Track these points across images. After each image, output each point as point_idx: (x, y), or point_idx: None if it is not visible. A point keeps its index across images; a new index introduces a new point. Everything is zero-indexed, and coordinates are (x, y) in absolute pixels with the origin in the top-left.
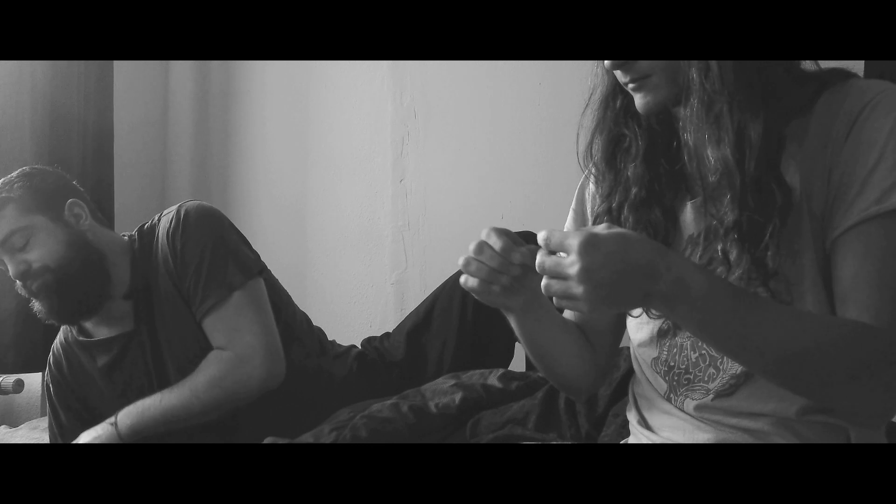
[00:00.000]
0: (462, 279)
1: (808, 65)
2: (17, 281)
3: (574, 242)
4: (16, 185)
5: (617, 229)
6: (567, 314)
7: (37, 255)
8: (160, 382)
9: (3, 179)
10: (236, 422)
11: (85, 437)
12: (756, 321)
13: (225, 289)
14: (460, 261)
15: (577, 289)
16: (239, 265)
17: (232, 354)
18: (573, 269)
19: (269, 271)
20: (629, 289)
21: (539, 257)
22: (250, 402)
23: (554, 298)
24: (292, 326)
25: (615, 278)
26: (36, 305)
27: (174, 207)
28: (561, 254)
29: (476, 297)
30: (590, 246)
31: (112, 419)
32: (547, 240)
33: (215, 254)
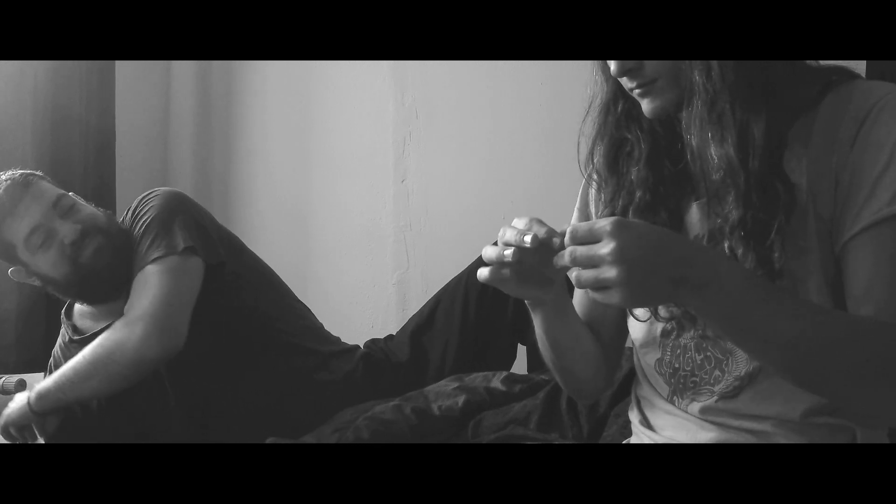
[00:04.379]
0: (478, 273)
1: (811, 63)
2: (70, 248)
3: (605, 223)
4: (27, 172)
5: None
6: None
7: (87, 216)
8: (153, 379)
9: (4, 173)
10: (239, 422)
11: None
12: (786, 313)
13: (144, 259)
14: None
15: (611, 272)
16: (167, 240)
17: (123, 318)
18: (606, 250)
19: (265, 272)
20: (662, 273)
21: (569, 248)
22: (131, 368)
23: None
24: (283, 328)
25: (649, 258)
26: (65, 282)
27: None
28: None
29: (502, 289)
30: (622, 226)
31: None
32: (574, 230)
33: (150, 225)
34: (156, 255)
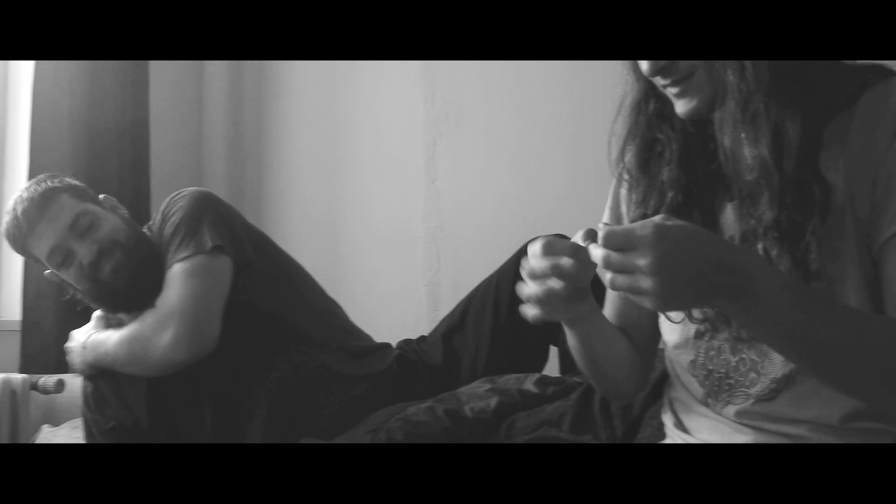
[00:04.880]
0: (526, 313)
1: (845, 61)
2: (88, 269)
3: (644, 234)
4: (54, 179)
5: (680, 221)
6: (607, 314)
7: (105, 233)
8: (183, 377)
9: (32, 181)
10: (269, 418)
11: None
12: (823, 319)
13: (173, 258)
14: (521, 292)
15: (646, 282)
16: (195, 240)
17: (155, 312)
18: (644, 261)
19: (295, 271)
20: (699, 281)
21: (601, 251)
22: (163, 366)
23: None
24: (312, 326)
25: (687, 270)
26: (89, 295)
27: None
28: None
29: (547, 317)
30: (661, 236)
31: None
32: (609, 236)
33: (178, 225)
34: (184, 254)
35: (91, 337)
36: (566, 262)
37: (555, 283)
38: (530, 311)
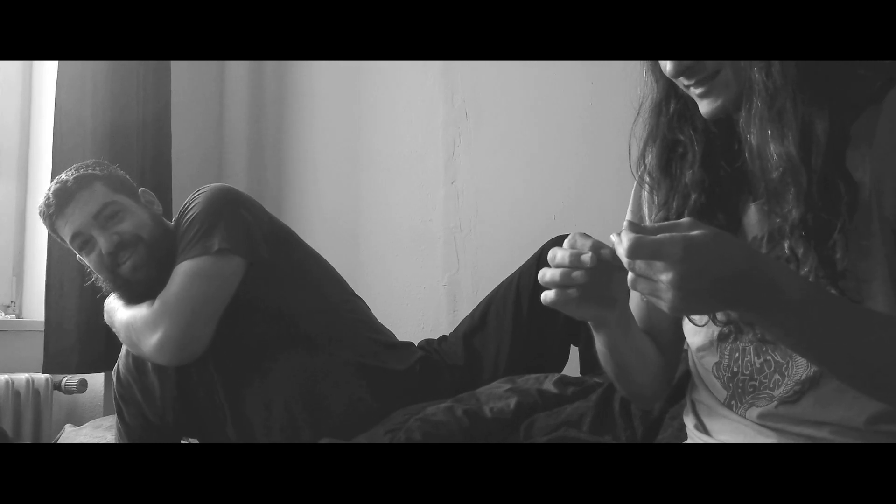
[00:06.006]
0: (542, 296)
1: None
2: (107, 258)
3: (673, 252)
4: (96, 167)
5: (707, 230)
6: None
7: (129, 227)
8: (206, 373)
9: (76, 165)
10: (292, 411)
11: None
12: (848, 330)
13: (181, 256)
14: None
15: (667, 294)
16: (203, 241)
17: (151, 309)
18: (666, 277)
19: (315, 268)
20: (722, 293)
21: (625, 254)
22: (148, 358)
23: None
24: (331, 321)
25: (710, 284)
26: (107, 283)
27: None
28: None
29: (566, 312)
30: (689, 254)
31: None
32: (636, 247)
33: (192, 222)
34: (191, 253)
35: (109, 300)
36: (586, 257)
37: (577, 273)
38: (546, 296)
